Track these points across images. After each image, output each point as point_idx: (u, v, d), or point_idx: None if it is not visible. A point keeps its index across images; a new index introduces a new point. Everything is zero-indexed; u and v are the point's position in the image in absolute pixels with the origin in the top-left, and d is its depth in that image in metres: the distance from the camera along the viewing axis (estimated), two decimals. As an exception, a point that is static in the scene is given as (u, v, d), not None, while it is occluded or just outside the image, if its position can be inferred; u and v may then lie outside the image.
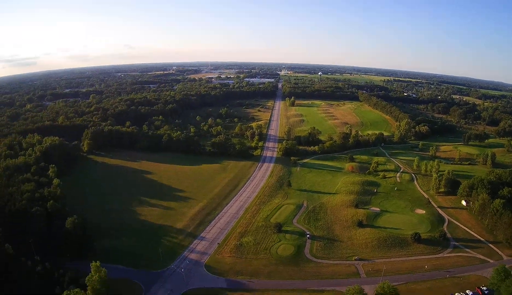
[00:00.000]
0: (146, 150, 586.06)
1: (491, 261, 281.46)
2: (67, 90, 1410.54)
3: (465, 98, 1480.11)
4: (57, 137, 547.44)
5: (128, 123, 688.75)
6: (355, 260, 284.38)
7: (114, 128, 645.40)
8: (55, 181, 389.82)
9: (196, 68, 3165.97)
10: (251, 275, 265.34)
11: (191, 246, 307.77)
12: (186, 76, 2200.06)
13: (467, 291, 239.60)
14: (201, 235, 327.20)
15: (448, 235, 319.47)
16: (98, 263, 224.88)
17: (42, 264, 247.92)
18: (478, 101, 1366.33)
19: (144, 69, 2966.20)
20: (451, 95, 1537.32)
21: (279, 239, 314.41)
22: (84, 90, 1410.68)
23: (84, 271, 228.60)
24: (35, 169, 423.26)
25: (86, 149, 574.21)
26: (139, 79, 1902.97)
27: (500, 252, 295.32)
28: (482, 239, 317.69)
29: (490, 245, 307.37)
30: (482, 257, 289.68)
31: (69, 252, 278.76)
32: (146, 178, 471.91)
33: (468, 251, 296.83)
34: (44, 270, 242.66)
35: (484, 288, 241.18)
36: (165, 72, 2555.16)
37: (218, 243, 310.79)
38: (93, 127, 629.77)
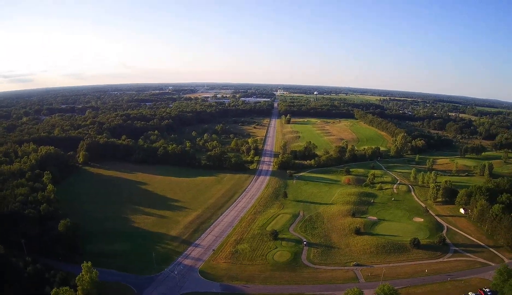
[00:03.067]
0: (141, 162, 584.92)
1: (493, 264, 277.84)
2: (63, 106, 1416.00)
3: (461, 115, 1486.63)
4: (52, 147, 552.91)
5: (123, 137, 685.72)
6: (353, 265, 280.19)
7: (110, 140, 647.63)
8: (49, 186, 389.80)
9: (192, 88, 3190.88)
10: (247, 280, 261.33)
11: (185, 252, 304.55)
12: (182, 95, 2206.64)
13: (469, 294, 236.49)
14: (195, 242, 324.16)
15: (448, 240, 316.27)
16: (89, 263, 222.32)
17: (33, 264, 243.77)
18: (474, 118, 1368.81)
19: (141, 89, 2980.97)
20: (447, 113, 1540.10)
21: (275, 246, 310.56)
22: (80, 106, 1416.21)
23: (76, 273, 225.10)
24: (29, 175, 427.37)
25: (81, 160, 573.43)
26: (135, 97, 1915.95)
27: (501, 256, 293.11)
28: (482, 243, 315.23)
29: (491, 249, 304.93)
30: (483, 260, 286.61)
31: (61, 255, 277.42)
32: (141, 189, 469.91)
33: (469, 255, 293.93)
34: (35, 270, 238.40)
35: (487, 289, 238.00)
36: (161, 92, 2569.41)
37: (213, 250, 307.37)
38: (88, 139, 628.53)
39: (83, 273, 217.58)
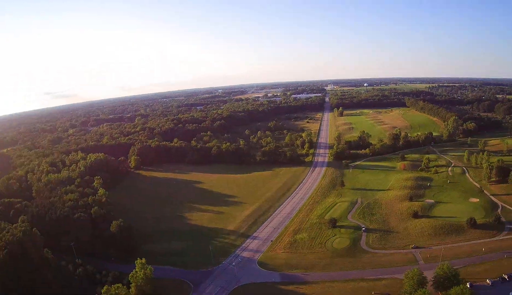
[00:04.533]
0: (195, 163, 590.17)
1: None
2: (111, 116, 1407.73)
3: (508, 96, 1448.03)
4: (102, 153, 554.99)
5: (175, 140, 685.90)
6: (412, 248, 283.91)
7: (162, 144, 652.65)
8: (101, 190, 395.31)
9: (242, 90, 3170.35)
10: (306, 268, 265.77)
11: (243, 245, 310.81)
12: (233, 97, 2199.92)
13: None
14: (253, 235, 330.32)
15: (503, 219, 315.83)
16: (143, 260, 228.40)
17: (84, 266, 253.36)
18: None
19: (190, 94, 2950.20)
20: (495, 95, 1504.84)
21: (334, 233, 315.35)
22: (129, 115, 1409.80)
23: (129, 273, 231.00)
24: (79, 182, 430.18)
25: (133, 165, 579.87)
26: (185, 102, 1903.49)
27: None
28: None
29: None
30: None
31: (114, 255, 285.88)
32: (196, 188, 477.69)
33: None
34: (85, 272, 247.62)
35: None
36: (211, 95, 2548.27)
37: (271, 241, 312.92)
38: (139, 144, 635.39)
39: (136, 269, 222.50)
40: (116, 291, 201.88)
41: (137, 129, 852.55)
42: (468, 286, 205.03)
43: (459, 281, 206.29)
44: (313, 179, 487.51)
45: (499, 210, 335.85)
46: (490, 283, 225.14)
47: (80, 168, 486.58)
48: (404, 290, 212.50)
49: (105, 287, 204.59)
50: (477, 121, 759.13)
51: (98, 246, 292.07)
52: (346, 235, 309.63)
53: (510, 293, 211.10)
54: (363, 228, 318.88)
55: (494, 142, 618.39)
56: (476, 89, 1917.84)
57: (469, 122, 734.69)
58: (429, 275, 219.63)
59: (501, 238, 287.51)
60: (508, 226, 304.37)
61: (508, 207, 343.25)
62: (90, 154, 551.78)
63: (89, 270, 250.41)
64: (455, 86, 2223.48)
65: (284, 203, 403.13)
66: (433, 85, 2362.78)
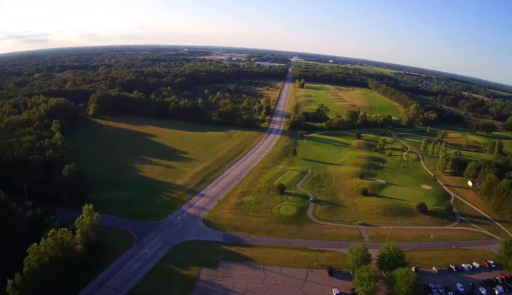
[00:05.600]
0: (152, 116, 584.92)
1: (498, 237, 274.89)
2: (76, 64, 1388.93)
3: (474, 94, 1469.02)
4: (63, 98, 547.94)
5: (135, 92, 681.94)
6: (359, 224, 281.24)
7: (121, 94, 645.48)
8: (57, 134, 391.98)
9: (208, 51, 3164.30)
10: (250, 231, 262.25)
11: (190, 201, 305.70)
12: (197, 57, 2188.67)
13: (474, 263, 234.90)
14: (201, 192, 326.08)
15: (455, 209, 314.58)
16: (91, 206, 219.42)
17: (33, 209, 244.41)
18: (486, 99, 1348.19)
19: (156, 50, 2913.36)
20: (461, 91, 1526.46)
21: (282, 200, 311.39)
22: (94, 64, 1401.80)
23: (76, 219, 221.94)
24: (37, 124, 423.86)
25: (91, 112, 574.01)
26: (150, 57, 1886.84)
27: (506, 230, 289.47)
28: (488, 217, 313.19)
29: (497, 223, 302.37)
30: (488, 233, 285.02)
31: (64, 200, 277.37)
32: (150, 141, 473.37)
33: (475, 226, 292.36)
34: (34, 215, 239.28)
35: (491, 261, 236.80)
36: (176, 52, 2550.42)
37: (218, 200, 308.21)
38: (100, 92, 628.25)
39: (83, 215, 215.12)
40: (62, 235, 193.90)
41: (100, 78, 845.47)
42: (413, 270, 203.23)
43: (404, 263, 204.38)
44: (266, 145, 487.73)
45: (451, 201, 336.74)
46: (436, 271, 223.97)
47: (40, 111, 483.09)
48: (347, 265, 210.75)
49: (51, 231, 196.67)
50: (439, 112, 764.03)
51: (49, 189, 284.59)
52: (293, 203, 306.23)
53: (458, 284, 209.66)
54: (311, 198, 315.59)
55: (453, 135, 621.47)
56: (442, 82, 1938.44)
57: (430, 111, 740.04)
58: (374, 253, 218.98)
59: (451, 227, 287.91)
60: (460, 217, 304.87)
61: (460, 199, 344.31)
62: (51, 98, 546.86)
63: (38, 213, 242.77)
64: (421, 76, 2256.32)
65: (235, 165, 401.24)
66: (399, 71, 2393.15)
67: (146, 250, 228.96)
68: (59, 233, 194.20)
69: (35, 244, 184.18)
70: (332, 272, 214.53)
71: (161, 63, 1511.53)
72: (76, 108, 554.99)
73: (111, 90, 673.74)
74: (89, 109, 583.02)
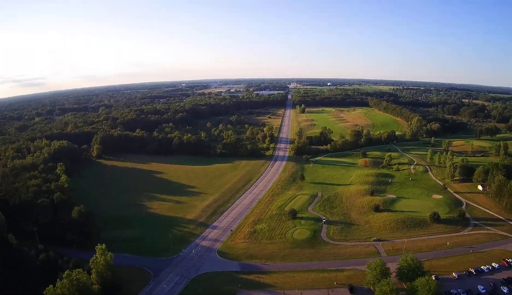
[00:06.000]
0: (156, 153, 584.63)
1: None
2: (76, 106, 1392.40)
3: (474, 101, 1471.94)
4: (66, 141, 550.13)
5: (138, 130, 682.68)
6: (374, 241, 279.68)
7: (124, 133, 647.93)
8: (63, 177, 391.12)
9: (206, 84, 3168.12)
10: (266, 258, 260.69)
11: (203, 234, 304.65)
12: (196, 91, 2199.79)
13: (492, 264, 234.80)
14: (213, 224, 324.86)
15: (467, 215, 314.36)
16: (103, 246, 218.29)
17: (46, 252, 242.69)
18: (487, 103, 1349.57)
19: (154, 87, 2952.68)
20: (461, 99, 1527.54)
21: (294, 224, 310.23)
22: (93, 105, 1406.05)
23: (89, 260, 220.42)
24: (42, 168, 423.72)
25: (95, 153, 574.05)
26: (149, 94, 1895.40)
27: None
28: (501, 217, 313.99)
29: (511, 222, 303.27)
30: (503, 233, 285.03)
31: (75, 242, 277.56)
32: (156, 177, 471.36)
33: (489, 229, 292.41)
34: (47, 258, 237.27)
35: (510, 260, 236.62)
36: (174, 88, 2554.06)
37: (231, 230, 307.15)
38: (102, 133, 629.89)
39: (97, 255, 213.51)
40: (77, 276, 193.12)
41: (101, 118, 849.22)
42: (433, 278, 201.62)
43: (423, 272, 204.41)
44: (273, 172, 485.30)
45: (463, 207, 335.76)
46: (456, 276, 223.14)
47: (44, 155, 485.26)
48: (367, 281, 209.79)
49: (66, 272, 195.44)
50: (441, 122, 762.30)
51: (59, 231, 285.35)
52: (306, 227, 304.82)
53: (478, 286, 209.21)
54: (324, 220, 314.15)
55: (458, 143, 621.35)
56: (441, 93, 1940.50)
57: (433, 122, 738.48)
58: (392, 267, 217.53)
59: (466, 233, 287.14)
60: (474, 221, 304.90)
61: (472, 204, 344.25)
62: (54, 141, 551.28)
63: (51, 256, 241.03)
64: (420, 89, 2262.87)
65: (244, 195, 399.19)
66: (398, 87, 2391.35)
67: (164, 286, 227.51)
68: (74, 274, 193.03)
69: (51, 286, 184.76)
70: (352, 289, 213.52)
71: (160, 100, 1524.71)
72: (80, 150, 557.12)
73: (113, 130, 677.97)
74: (92, 150, 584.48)
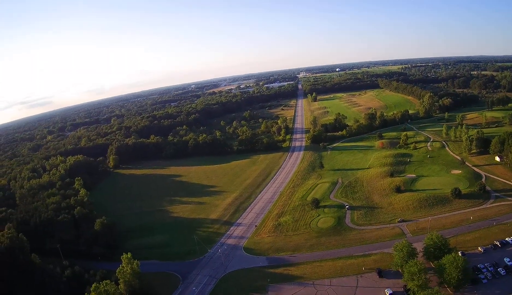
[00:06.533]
0: (172, 157, 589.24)
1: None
2: (87, 120, 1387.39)
3: (483, 72, 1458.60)
4: (81, 155, 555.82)
5: (152, 136, 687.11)
6: (398, 222, 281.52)
7: (138, 141, 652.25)
8: (82, 191, 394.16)
9: (215, 83, 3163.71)
10: (293, 250, 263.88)
11: (228, 233, 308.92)
12: (206, 91, 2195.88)
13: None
14: (237, 221, 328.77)
15: (488, 188, 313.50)
16: (129, 254, 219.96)
17: (71, 267, 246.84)
18: (496, 73, 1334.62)
19: (163, 92, 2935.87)
20: (469, 72, 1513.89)
21: (318, 214, 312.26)
22: (104, 117, 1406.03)
23: (116, 270, 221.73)
24: (60, 185, 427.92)
25: (112, 164, 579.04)
26: (159, 99, 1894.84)
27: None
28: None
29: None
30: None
31: (100, 254, 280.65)
32: (175, 181, 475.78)
33: (510, 199, 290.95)
34: (73, 273, 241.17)
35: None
36: (184, 91, 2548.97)
37: (255, 226, 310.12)
38: (116, 143, 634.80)
39: (123, 265, 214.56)
40: (105, 288, 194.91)
41: (114, 129, 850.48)
42: (460, 254, 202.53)
43: (450, 249, 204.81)
44: (292, 163, 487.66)
45: (483, 180, 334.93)
46: (482, 251, 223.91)
47: (60, 172, 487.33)
48: (395, 263, 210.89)
49: (93, 285, 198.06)
50: (453, 96, 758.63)
51: (83, 245, 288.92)
52: (330, 214, 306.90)
53: (505, 259, 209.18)
54: (347, 206, 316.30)
55: (472, 116, 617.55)
56: (450, 67, 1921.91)
57: (445, 98, 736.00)
58: (419, 247, 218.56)
59: (488, 206, 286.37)
60: (494, 194, 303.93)
61: (491, 176, 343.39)
62: (69, 157, 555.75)
63: (76, 271, 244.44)
64: (428, 65, 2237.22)
65: (265, 189, 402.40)
66: (406, 65, 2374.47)
67: (193, 288, 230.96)
68: (102, 286, 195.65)
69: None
70: (381, 273, 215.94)
71: (172, 103, 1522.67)
72: (96, 163, 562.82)
73: (128, 139, 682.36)
74: (109, 162, 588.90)
